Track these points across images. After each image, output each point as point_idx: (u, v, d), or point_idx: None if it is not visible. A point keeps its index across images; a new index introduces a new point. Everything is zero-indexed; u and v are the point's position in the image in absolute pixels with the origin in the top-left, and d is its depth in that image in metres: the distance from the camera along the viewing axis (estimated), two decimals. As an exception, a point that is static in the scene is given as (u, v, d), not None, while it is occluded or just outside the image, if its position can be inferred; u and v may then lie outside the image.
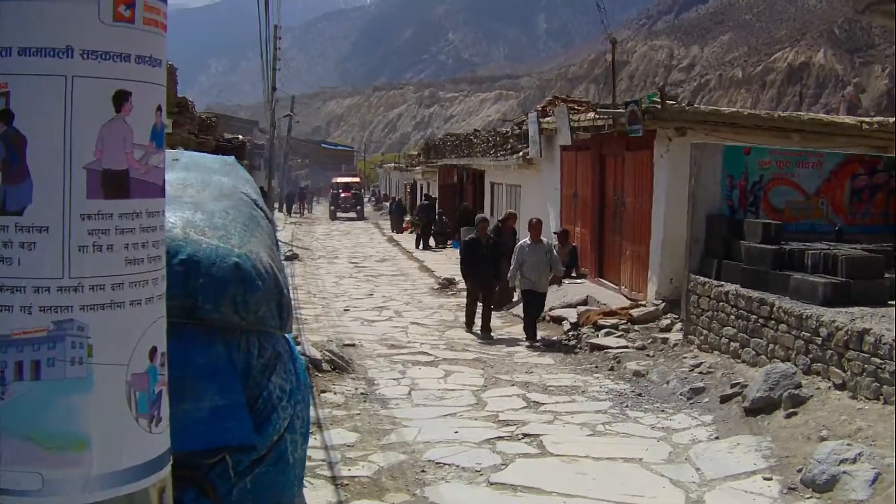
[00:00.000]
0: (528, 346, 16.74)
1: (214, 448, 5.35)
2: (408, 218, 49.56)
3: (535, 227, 17.76)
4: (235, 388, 5.50)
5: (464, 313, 19.23)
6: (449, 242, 39.01)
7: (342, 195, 72.59)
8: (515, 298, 20.19)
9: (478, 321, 18.41)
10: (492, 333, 18.05)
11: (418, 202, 49.96)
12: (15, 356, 2.47)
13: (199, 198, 6.17)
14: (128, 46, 2.52)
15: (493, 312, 20.66)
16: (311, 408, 10.91)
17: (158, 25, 2.64)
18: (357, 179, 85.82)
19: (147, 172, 2.59)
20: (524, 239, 18.07)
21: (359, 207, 71.86)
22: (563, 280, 21.90)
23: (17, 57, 2.44)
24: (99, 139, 2.45)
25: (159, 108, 2.64)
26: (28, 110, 2.44)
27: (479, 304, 18.64)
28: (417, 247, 38.69)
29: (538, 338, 17.16)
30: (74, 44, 2.41)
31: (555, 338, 17.26)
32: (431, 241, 39.41)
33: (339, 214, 70.45)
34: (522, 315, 17.86)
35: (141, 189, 2.58)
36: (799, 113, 21.98)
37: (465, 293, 23.93)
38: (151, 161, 2.61)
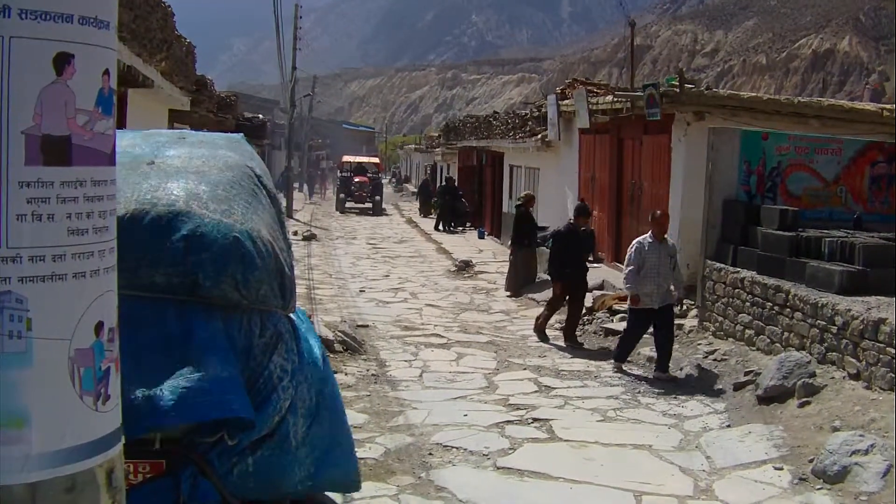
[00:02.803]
0: (654, 378, 12.81)
1: (216, 420, 5.34)
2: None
3: (661, 221, 13.46)
4: (234, 363, 5.48)
5: (484, 296, 19.06)
6: (468, 225, 38.85)
7: (355, 180, 54.66)
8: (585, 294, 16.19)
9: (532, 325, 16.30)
10: (579, 341, 15.42)
11: (438, 184, 49.67)
12: (-50, 328, 2.36)
13: (204, 168, 6.15)
14: (70, 6, 2.41)
15: (510, 297, 20.65)
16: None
17: None
18: (375, 160, 66.75)
19: (92, 139, 2.48)
20: (643, 236, 13.59)
21: (377, 197, 53.66)
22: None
23: (-50, 16, 2.32)
24: (38, 103, 2.35)
25: (107, 73, 2.54)
26: (-38, 71, 2.33)
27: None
28: (437, 228, 38.62)
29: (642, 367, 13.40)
30: (12, 3, 2.31)
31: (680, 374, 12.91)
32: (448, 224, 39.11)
33: (350, 205, 54.12)
34: (622, 335, 13.94)
35: (85, 156, 2.47)
36: (819, 99, 21.75)
37: (483, 276, 23.98)
38: (97, 127, 2.50)
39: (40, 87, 2.37)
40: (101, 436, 2.54)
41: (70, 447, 2.45)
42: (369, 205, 53.09)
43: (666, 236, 13.52)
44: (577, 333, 15.58)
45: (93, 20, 2.47)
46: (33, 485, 2.39)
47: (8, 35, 2.30)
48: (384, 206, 55.43)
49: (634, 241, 13.59)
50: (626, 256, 13.54)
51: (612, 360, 13.53)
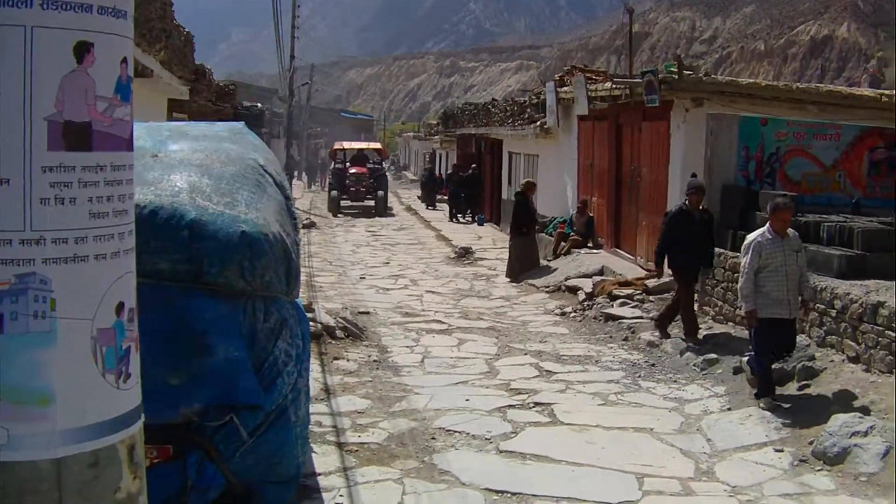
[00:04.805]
0: (760, 406, 10.23)
1: (227, 402, 5.43)
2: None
3: (783, 214, 10.53)
4: (240, 346, 5.56)
5: (485, 282, 19.04)
6: (468, 212, 38.46)
7: (350, 172, 44.07)
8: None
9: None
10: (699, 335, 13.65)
11: (440, 172, 49.26)
12: (-22, 309, 2.44)
13: (207, 161, 6.21)
14: None
15: (510, 283, 20.70)
16: (322, 374, 11.02)
17: None
18: (377, 145, 54.85)
19: (112, 125, 2.56)
20: (759, 231, 10.73)
21: (380, 193, 43.20)
22: (580, 250, 21.76)
23: (-26, 7, 2.38)
24: (59, 91, 2.42)
25: (125, 61, 2.60)
26: (-14, 61, 2.40)
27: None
28: (451, 220, 37.57)
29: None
30: None
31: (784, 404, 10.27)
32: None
33: (345, 203, 43.04)
34: (754, 365, 10.64)
35: (105, 142, 2.54)
36: (818, 85, 21.79)
37: (483, 263, 24.01)
38: (116, 114, 2.57)
39: (62, 75, 2.43)
40: (122, 413, 2.60)
41: (93, 424, 2.51)
42: (371, 203, 43.28)
43: (789, 230, 10.72)
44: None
45: (111, 10, 2.53)
46: (58, 460, 2.45)
47: (30, 25, 2.36)
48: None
49: (749, 238, 10.73)
50: (742, 260, 10.77)
51: (757, 398, 10.45)
